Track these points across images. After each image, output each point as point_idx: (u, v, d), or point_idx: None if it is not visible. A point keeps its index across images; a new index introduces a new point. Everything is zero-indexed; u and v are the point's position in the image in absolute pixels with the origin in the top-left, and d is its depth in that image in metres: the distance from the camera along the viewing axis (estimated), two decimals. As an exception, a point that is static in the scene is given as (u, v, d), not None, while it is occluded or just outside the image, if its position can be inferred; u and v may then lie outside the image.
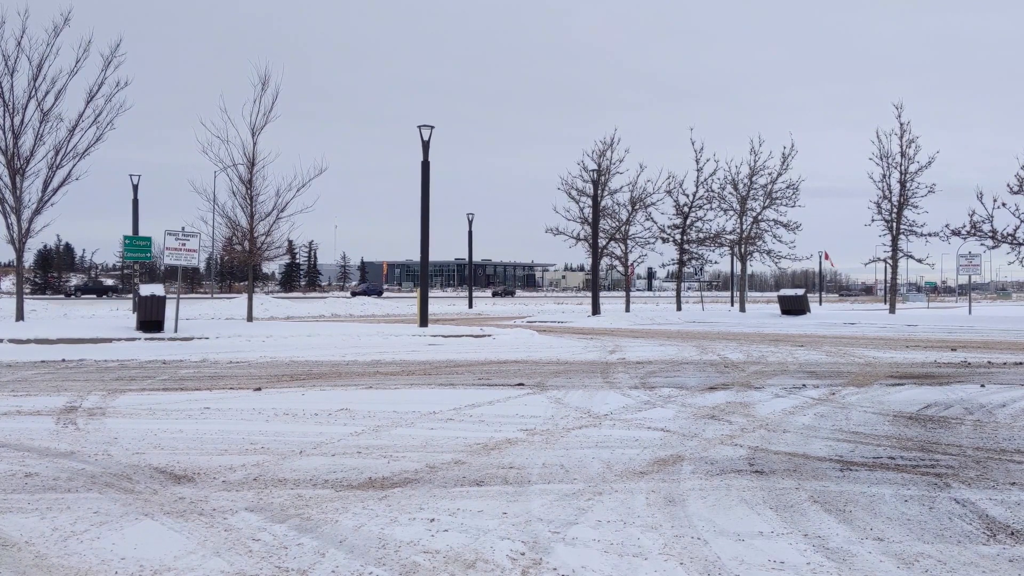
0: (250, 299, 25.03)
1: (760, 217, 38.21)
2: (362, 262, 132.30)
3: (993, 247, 30.68)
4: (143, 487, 5.57)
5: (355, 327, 23.40)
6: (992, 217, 29.78)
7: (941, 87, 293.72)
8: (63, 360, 14.62)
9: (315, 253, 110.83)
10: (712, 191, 38.25)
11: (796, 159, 47.06)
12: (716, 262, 49.79)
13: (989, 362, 14.48)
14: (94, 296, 66.32)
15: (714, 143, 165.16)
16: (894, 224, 34.62)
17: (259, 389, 10.66)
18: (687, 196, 38.35)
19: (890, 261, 36.09)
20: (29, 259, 60.78)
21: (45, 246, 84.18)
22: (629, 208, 37.45)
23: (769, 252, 38.77)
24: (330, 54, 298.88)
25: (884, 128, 37.05)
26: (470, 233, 47.82)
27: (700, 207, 38.49)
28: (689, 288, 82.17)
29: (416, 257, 28.38)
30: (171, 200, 37.92)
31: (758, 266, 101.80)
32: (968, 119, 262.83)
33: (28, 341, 18.07)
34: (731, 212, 38.60)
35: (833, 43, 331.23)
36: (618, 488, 5.55)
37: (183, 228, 21.81)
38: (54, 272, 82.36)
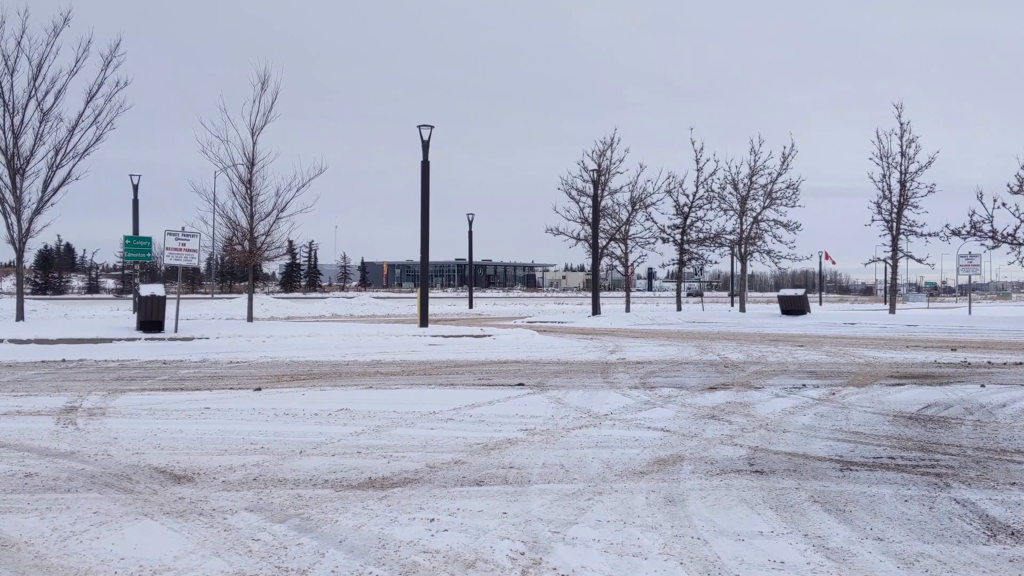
0: (250, 299, 25.04)
1: (760, 217, 38.23)
2: (362, 262, 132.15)
3: (993, 247, 30.72)
4: (143, 487, 5.57)
5: (355, 327, 23.40)
6: (992, 217, 29.82)
7: (944, 87, 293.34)
8: (63, 360, 14.62)
9: (315, 253, 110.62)
10: (712, 191, 38.35)
11: (796, 159, 47.04)
12: (716, 262, 49.95)
13: (989, 362, 14.47)
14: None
15: (714, 143, 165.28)
16: (894, 224, 34.63)
17: (259, 389, 10.66)
18: (687, 196, 38.45)
19: (890, 261, 36.08)
20: (29, 259, 60.49)
21: (45, 246, 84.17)
22: (629, 208, 37.53)
23: (769, 252, 38.83)
24: (331, 54, 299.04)
25: (884, 128, 37.08)
26: (470, 233, 47.82)
27: (700, 207, 38.57)
28: (689, 288, 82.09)
29: (416, 257, 28.38)
30: (171, 200, 37.95)
31: (758, 266, 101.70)
32: (971, 119, 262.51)
33: (28, 341, 18.08)
34: (731, 212, 38.68)
35: (835, 43, 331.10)
36: (618, 488, 5.54)
37: (183, 228, 21.83)
38: (55, 272, 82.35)
